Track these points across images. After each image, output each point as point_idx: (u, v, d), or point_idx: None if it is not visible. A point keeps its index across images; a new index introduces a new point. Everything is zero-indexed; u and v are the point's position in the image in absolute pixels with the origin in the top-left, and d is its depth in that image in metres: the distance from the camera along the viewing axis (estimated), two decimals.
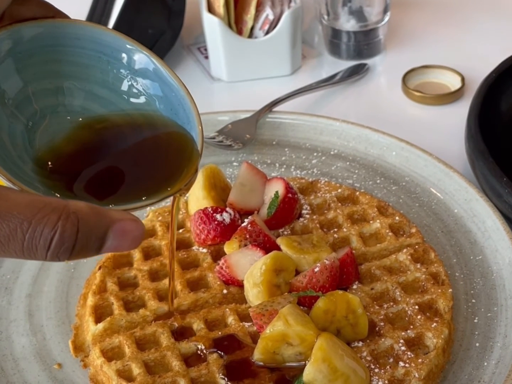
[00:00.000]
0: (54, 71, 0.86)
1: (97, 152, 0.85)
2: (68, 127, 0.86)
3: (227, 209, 1.14)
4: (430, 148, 1.33)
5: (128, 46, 0.88)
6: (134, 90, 0.89)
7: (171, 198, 0.89)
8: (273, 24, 1.55)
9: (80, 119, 0.87)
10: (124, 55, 0.88)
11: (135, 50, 0.88)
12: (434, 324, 1.03)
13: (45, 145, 0.83)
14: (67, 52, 0.86)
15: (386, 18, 1.62)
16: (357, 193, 1.23)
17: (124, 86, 0.89)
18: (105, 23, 1.53)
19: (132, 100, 0.89)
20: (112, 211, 0.73)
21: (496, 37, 1.69)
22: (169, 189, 0.83)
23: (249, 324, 1.03)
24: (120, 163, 0.85)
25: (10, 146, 0.79)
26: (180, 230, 1.17)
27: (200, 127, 0.86)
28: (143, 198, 0.80)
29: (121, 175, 0.84)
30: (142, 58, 0.88)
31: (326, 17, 1.63)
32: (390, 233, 1.15)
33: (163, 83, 0.89)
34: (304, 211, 1.19)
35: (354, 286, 1.08)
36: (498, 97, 1.37)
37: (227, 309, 1.05)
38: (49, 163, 0.82)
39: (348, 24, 1.61)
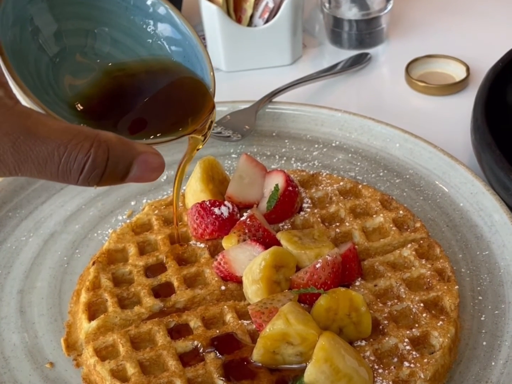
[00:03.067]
0: (84, 13, 0.90)
1: (120, 95, 0.90)
2: (92, 68, 0.90)
3: (226, 202, 1.10)
4: (435, 139, 1.29)
5: None
6: (152, 39, 0.94)
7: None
8: (273, 12, 1.52)
9: (105, 63, 0.91)
10: (142, 3, 0.93)
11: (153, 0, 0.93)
12: (440, 322, 0.99)
13: (70, 84, 0.87)
14: None
15: (389, 6, 1.59)
16: (360, 186, 1.19)
17: (143, 34, 0.93)
18: None
19: (150, 47, 0.94)
20: (137, 143, 0.79)
21: (502, 25, 1.66)
22: (184, 128, 0.90)
23: (248, 322, 1.00)
24: (141, 106, 0.89)
25: (37, 80, 0.83)
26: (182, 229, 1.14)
27: (212, 73, 0.93)
28: (158, 135, 0.86)
29: (142, 116, 0.89)
30: (159, 7, 0.93)
31: (327, 5, 1.60)
32: (394, 228, 1.12)
33: (179, 31, 0.93)
34: (305, 205, 1.16)
35: (357, 283, 1.04)
36: (504, 87, 1.34)
37: (225, 306, 1.02)
38: (75, 101, 0.86)
39: (350, 12, 1.58)
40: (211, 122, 0.93)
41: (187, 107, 0.92)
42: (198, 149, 0.96)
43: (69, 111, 0.84)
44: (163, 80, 0.92)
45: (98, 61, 0.90)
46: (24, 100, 0.78)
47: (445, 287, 1.03)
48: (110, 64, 0.91)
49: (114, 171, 0.76)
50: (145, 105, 0.89)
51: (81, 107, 0.86)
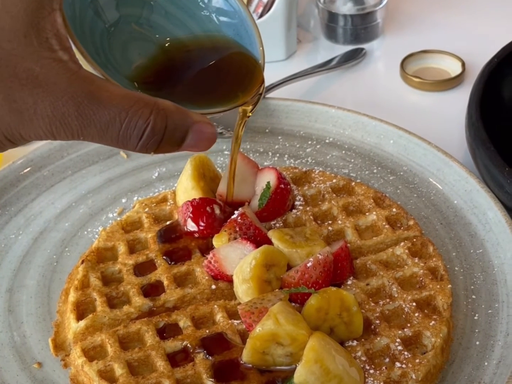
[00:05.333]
0: None
1: (173, 69, 0.90)
2: (147, 40, 0.90)
3: (217, 200, 1.09)
4: (429, 136, 1.28)
5: None
6: (203, 12, 0.93)
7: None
8: (267, 7, 1.50)
9: (161, 37, 0.91)
10: None
11: None
12: (433, 322, 0.98)
13: (124, 54, 0.87)
14: None
15: (384, 1, 1.57)
16: (353, 183, 1.18)
17: (195, 7, 0.93)
18: None
19: (200, 21, 0.93)
20: (192, 112, 0.80)
21: (498, 20, 1.64)
22: (235, 100, 0.91)
23: (238, 321, 0.98)
24: (194, 79, 0.90)
25: (92, 45, 0.83)
26: (168, 223, 1.12)
27: (261, 48, 0.93)
28: (211, 107, 0.87)
29: (195, 89, 0.89)
30: None
31: None
32: (386, 226, 1.10)
33: (229, 4, 0.93)
34: (297, 203, 1.14)
35: (349, 282, 1.03)
36: (500, 83, 1.32)
37: (215, 306, 1.01)
38: (128, 71, 0.86)
39: (345, 7, 1.56)
40: (260, 95, 0.93)
41: (238, 80, 0.92)
42: (248, 117, 0.98)
43: (122, 79, 0.84)
44: (215, 55, 0.93)
45: (157, 36, 0.91)
46: (83, 65, 0.78)
47: (438, 286, 1.02)
48: (167, 39, 0.91)
49: (171, 139, 0.78)
50: (198, 79, 0.90)
51: (136, 77, 0.86)
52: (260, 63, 0.93)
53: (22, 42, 0.74)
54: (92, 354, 0.97)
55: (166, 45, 0.91)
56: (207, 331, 0.97)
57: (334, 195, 1.16)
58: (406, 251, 1.07)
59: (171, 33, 0.92)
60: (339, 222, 1.11)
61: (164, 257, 1.07)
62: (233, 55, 0.93)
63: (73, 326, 1.00)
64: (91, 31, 0.85)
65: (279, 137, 1.33)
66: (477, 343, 1.00)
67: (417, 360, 0.94)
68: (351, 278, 1.04)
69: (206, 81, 0.90)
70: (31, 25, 0.74)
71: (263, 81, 0.93)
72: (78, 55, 0.79)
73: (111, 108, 0.74)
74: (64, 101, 0.74)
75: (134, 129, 0.75)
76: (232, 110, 0.91)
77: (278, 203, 1.10)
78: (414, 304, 1.00)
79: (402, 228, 1.12)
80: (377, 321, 0.98)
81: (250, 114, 0.97)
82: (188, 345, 0.96)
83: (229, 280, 1.02)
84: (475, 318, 1.03)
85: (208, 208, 1.08)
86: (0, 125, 0.75)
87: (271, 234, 1.04)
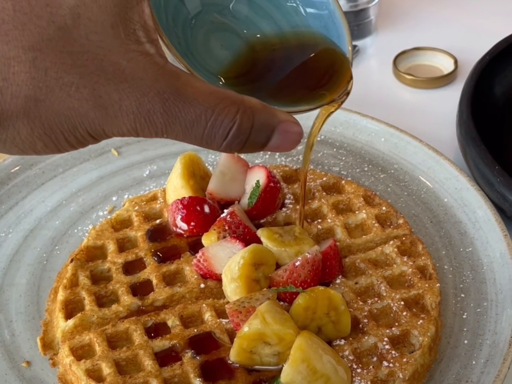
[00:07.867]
0: None
1: (258, 64, 0.87)
2: (228, 31, 0.87)
3: (206, 199, 1.09)
4: (421, 134, 1.28)
5: None
6: (290, 4, 0.90)
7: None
8: None
9: (249, 34, 0.88)
10: None
11: None
12: (420, 321, 0.98)
13: (205, 47, 0.84)
14: None
15: None
16: (343, 181, 1.18)
17: (282, 1, 0.90)
18: None
19: (286, 12, 0.90)
20: (279, 111, 0.77)
21: (491, 17, 1.64)
22: (322, 98, 0.87)
23: (227, 320, 0.98)
24: (280, 76, 0.86)
25: (175, 38, 0.80)
26: (157, 221, 1.12)
27: (350, 48, 0.89)
28: (296, 104, 0.84)
29: (281, 85, 0.86)
30: None
31: None
32: (376, 224, 1.10)
33: None
34: (287, 201, 1.14)
35: (338, 281, 1.03)
36: (491, 80, 1.32)
37: (204, 305, 1.01)
38: (211, 65, 0.83)
39: None
40: (348, 93, 0.89)
41: (326, 77, 0.88)
42: (331, 113, 0.95)
43: (205, 73, 0.81)
44: (302, 54, 0.89)
45: (245, 31, 0.87)
46: (168, 58, 0.76)
47: (426, 285, 1.02)
48: (256, 35, 0.88)
49: (256, 139, 0.75)
50: (283, 77, 0.87)
51: (219, 71, 0.83)
52: (348, 57, 0.89)
53: (109, 33, 0.70)
54: (80, 353, 0.97)
55: (252, 40, 0.87)
56: (196, 330, 0.97)
57: (324, 193, 1.16)
58: (395, 249, 1.07)
59: (257, 26, 0.88)
60: (329, 220, 1.11)
61: (153, 256, 1.07)
62: (321, 51, 0.89)
63: (61, 325, 1.00)
64: (173, 21, 0.81)
65: None
66: (465, 342, 1.00)
67: (405, 359, 0.94)
68: (340, 277, 1.04)
69: (291, 78, 0.86)
70: (119, 15, 0.71)
71: (351, 78, 0.88)
72: (164, 48, 0.76)
73: (197, 105, 0.71)
74: (150, 97, 0.70)
75: (220, 128, 0.72)
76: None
77: (267, 201, 1.10)
78: (402, 303, 1.00)
79: (391, 226, 1.11)
80: (365, 320, 0.98)
81: (333, 110, 0.93)
82: (176, 344, 0.96)
83: (218, 279, 1.02)
84: (464, 316, 1.03)
85: (197, 207, 1.08)
86: (84, 120, 0.71)
87: (260, 233, 1.04)
